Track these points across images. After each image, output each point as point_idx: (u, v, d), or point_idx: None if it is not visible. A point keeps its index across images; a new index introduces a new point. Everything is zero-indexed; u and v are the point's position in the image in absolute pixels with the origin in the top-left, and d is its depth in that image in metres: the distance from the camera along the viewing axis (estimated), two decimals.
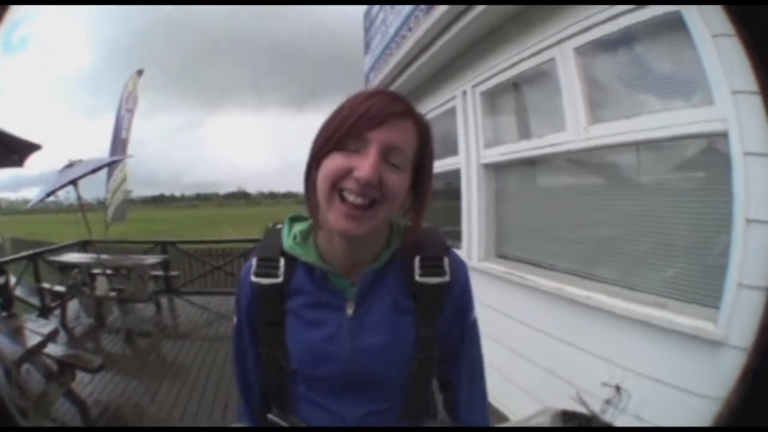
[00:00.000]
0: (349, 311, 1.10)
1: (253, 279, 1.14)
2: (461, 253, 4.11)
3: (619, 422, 1.73)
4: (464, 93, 4.14)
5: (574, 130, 2.84)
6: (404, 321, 1.10)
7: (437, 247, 1.15)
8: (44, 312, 7.59)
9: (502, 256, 3.91)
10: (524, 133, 3.57)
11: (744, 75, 1.74)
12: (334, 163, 0.95)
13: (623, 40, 2.57)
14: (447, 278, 1.12)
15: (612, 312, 2.55)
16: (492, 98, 3.91)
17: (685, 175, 2.35)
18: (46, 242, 11.92)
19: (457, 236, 4.26)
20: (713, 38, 1.92)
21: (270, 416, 1.20)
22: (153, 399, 4.68)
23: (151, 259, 8.25)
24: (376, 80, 5.76)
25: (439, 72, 4.64)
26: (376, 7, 6.69)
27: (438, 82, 4.75)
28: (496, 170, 3.92)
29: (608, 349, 2.61)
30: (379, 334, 1.09)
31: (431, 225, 1.19)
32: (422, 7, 4.31)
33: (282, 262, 1.13)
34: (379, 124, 0.94)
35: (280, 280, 1.13)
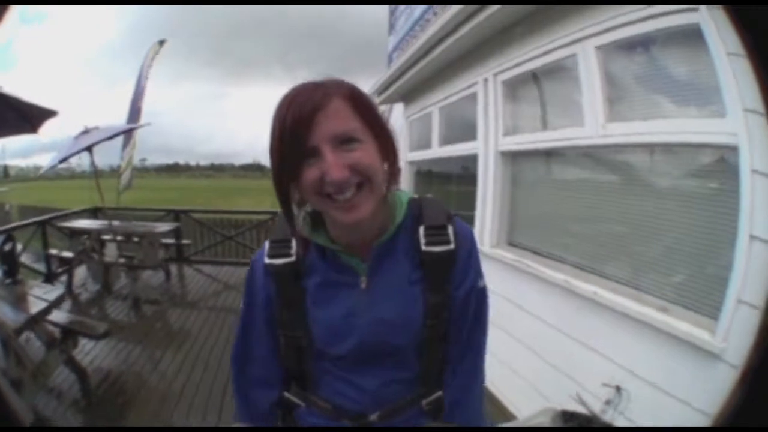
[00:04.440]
0: (362, 285, 1.13)
1: (267, 260, 1.17)
2: None
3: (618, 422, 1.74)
4: (486, 80, 4.10)
5: (592, 126, 2.83)
6: (414, 289, 1.13)
7: (440, 216, 1.17)
8: (50, 278, 7.62)
9: (513, 244, 3.91)
10: (543, 124, 3.55)
11: (755, 95, 1.74)
12: (305, 178, 0.98)
13: (644, 43, 2.56)
14: (452, 246, 1.14)
15: (616, 310, 2.56)
16: (513, 87, 3.89)
17: (699, 182, 2.32)
18: (56, 209, 11.98)
19: (470, 222, 4.22)
20: (728, 56, 1.91)
21: (286, 394, 1.25)
22: (155, 368, 4.71)
23: (163, 226, 8.30)
24: (400, 61, 5.70)
25: (461, 58, 4.60)
26: None
27: (460, 67, 4.72)
28: (513, 158, 3.91)
29: (610, 347, 2.63)
30: (392, 304, 1.12)
31: (433, 197, 1.24)
32: None
33: (293, 242, 1.16)
34: (310, 130, 0.96)
35: (293, 258, 1.15)
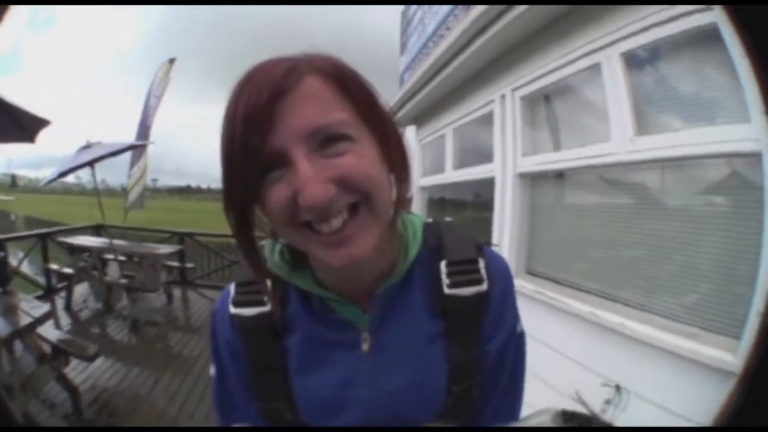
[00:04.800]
0: (365, 347, 0.83)
1: (233, 310, 0.86)
2: None
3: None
4: (503, 97, 3.90)
5: (620, 140, 2.61)
6: (434, 348, 0.84)
7: (467, 246, 0.87)
8: (49, 293, 7.66)
9: (532, 272, 3.66)
10: (565, 141, 3.34)
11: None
12: (269, 201, 0.67)
13: (669, 48, 2.37)
14: (485, 286, 0.84)
15: (644, 342, 2.34)
16: (532, 104, 3.68)
17: (723, 196, 2.17)
18: (62, 223, 12.07)
19: None
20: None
21: None
22: (151, 391, 4.64)
23: (165, 248, 8.28)
24: (411, 80, 5.54)
25: (476, 74, 4.42)
26: (414, 7, 6.61)
27: (475, 85, 4.52)
28: (532, 181, 3.69)
29: (640, 382, 2.40)
30: (405, 370, 0.83)
31: (453, 220, 0.93)
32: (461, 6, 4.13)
33: (269, 285, 0.85)
34: (272, 125, 0.64)
35: (267, 308, 0.84)
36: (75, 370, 4.53)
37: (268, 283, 0.84)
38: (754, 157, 1.79)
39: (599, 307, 2.73)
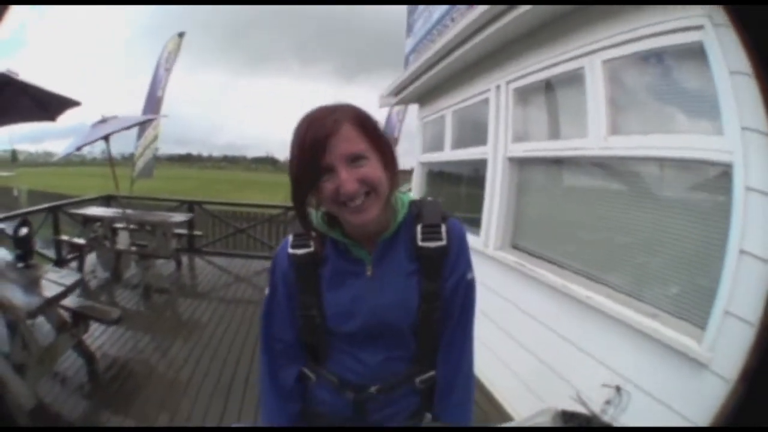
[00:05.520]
0: (368, 273, 1.32)
1: (291, 251, 1.37)
2: (479, 239, 4.25)
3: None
4: (498, 87, 4.20)
5: (595, 138, 2.91)
6: (411, 279, 1.31)
7: (436, 216, 1.34)
8: (59, 264, 7.68)
9: (516, 247, 4.00)
10: (550, 133, 3.66)
11: (754, 113, 1.82)
12: (324, 191, 1.16)
13: (649, 59, 2.63)
14: (444, 242, 1.31)
15: (609, 315, 2.65)
16: (524, 96, 3.97)
17: (697, 196, 2.39)
18: (66, 195, 11.99)
19: (477, 224, 4.36)
20: (730, 75, 1.97)
21: (304, 369, 1.43)
22: (164, 355, 4.77)
23: (178, 217, 8.42)
24: (416, 63, 5.79)
25: (475, 64, 4.70)
26: None
27: (474, 73, 4.81)
28: (520, 165, 4.00)
29: (603, 350, 2.73)
30: (392, 290, 1.30)
31: (435, 199, 1.43)
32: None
33: (313, 236, 1.33)
34: (326, 151, 1.13)
35: (312, 249, 1.34)
36: (88, 338, 4.54)
37: (313, 234, 1.33)
38: (724, 166, 2.06)
39: (570, 280, 3.07)
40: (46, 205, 8.26)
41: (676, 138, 2.39)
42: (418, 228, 1.32)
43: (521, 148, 3.90)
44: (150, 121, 13.40)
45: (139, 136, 14.69)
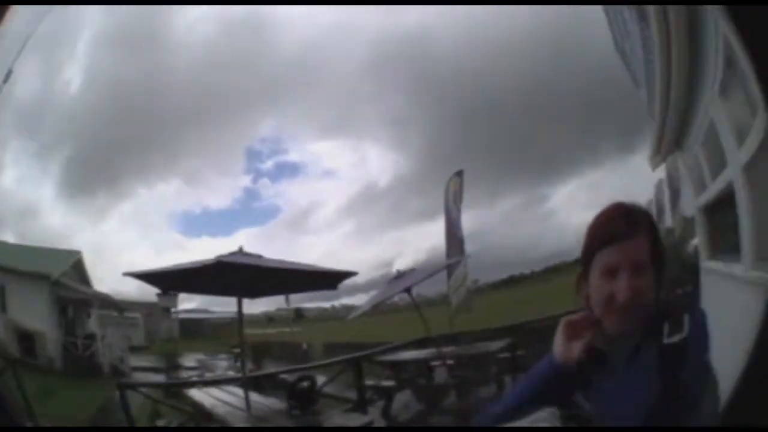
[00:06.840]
0: None
1: None
2: None
3: None
4: None
5: None
6: None
7: None
8: (360, 405, 7.78)
9: None
10: None
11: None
12: (600, 290, 1.34)
13: None
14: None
15: None
16: None
17: None
18: (368, 343, 12.52)
19: None
20: None
21: None
22: None
23: (494, 345, 8.27)
24: None
25: None
26: None
27: None
28: None
29: None
30: None
31: None
32: None
33: None
34: (620, 249, 1.28)
35: None
36: None
37: None
38: None
39: None
40: (342, 357, 8.63)
41: None
42: None
43: None
44: (452, 265, 13.95)
45: (449, 277, 15.35)
